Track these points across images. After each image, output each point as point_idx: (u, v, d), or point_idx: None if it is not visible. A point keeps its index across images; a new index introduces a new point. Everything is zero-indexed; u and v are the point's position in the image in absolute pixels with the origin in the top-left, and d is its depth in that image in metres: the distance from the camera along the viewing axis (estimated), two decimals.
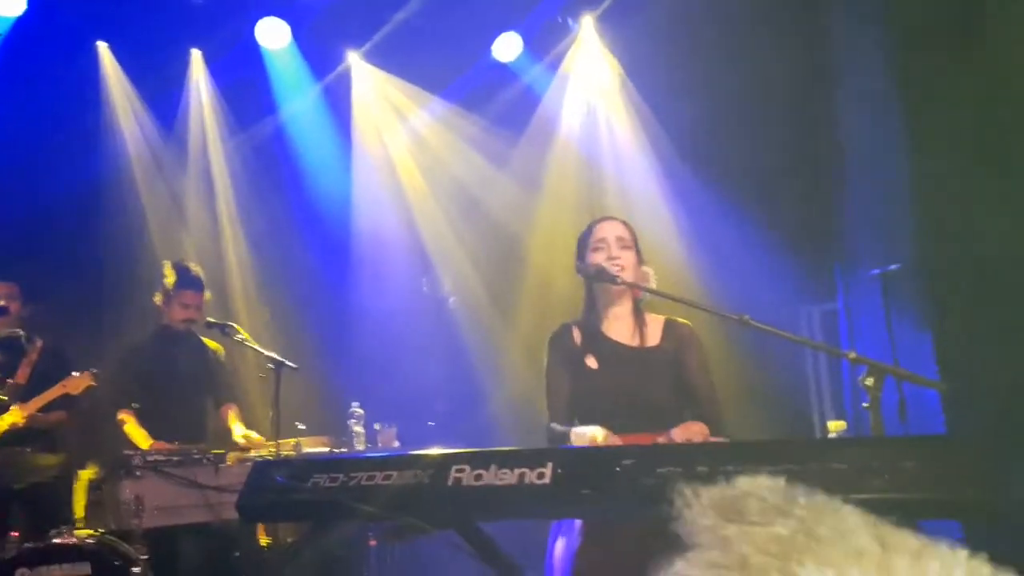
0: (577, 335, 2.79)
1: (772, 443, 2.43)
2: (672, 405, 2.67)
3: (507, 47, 6.44)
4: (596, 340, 2.76)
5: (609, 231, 2.81)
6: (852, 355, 2.45)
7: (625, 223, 2.89)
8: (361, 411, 4.76)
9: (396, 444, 4.84)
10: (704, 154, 5.61)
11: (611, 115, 6.42)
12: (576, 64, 6.53)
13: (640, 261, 2.84)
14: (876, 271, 4.61)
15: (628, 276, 2.72)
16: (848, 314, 5.00)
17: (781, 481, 0.64)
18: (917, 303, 4.33)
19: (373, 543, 4.37)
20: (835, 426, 3.35)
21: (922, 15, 4.25)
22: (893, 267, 4.52)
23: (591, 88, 6.51)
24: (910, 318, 4.32)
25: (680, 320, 2.84)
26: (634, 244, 2.83)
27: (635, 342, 2.75)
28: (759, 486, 0.63)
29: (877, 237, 4.77)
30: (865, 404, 2.38)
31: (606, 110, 6.46)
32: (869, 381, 2.35)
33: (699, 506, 0.62)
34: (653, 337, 2.77)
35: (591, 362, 2.72)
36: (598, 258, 2.75)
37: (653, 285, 2.84)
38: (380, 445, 4.73)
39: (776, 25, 5.20)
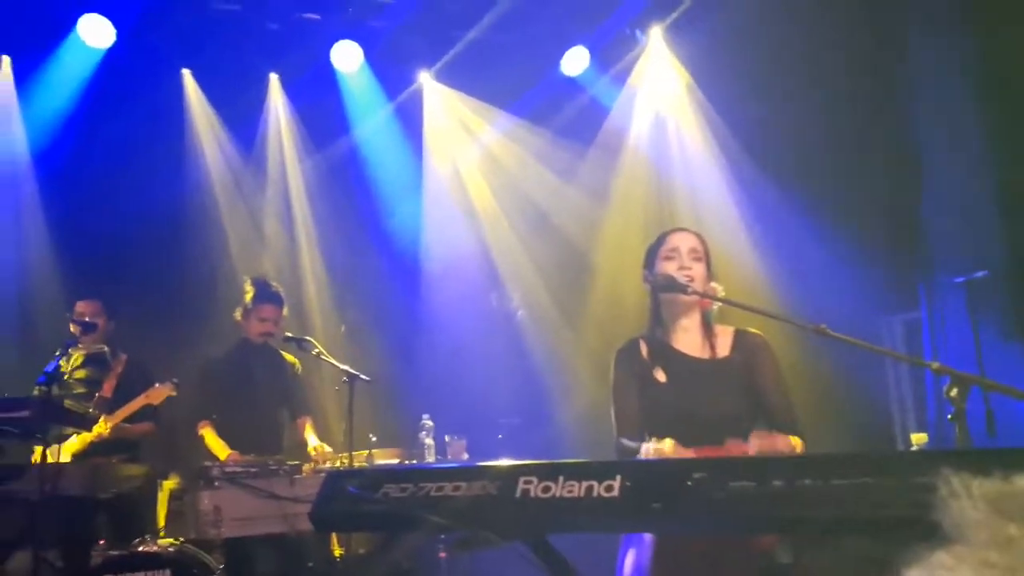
0: (644, 349, 2.74)
1: (850, 455, 2.34)
2: (744, 417, 2.58)
3: (575, 61, 6.46)
4: (664, 353, 2.70)
5: (681, 241, 2.75)
6: (935, 365, 2.34)
7: (698, 235, 2.82)
8: (431, 423, 4.80)
9: (465, 456, 4.86)
10: (778, 163, 5.50)
11: (680, 125, 6.36)
12: (644, 75, 6.51)
13: (710, 276, 2.78)
14: (961, 279, 4.43)
15: (698, 287, 2.67)
16: (931, 323, 4.81)
17: None
18: (1005, 311, 4.14)
19: (443, 555, 4.38)
20: (917, 439, 3.22)
21: (1004, 14, 4.09)
22: (979, 274, 4.34)
23: (660, 99, 6.47)
24: (997, 327, 4.13)
25: (751, 330, 2.76)
26: (706, 257, 2.76)
27: (704, 354, 2.69)
28: None
29: (961, 244, 4.59)
30: (950, 416, 2.28)
31: (675, 120, 6.41)
32: (953, 392, 2.25)
33: (970, 498, 0.56)
34: (723, 348, 2.70)
35: (659, 376, 2.66)
36: (668, 268, 2.70)
37: (718, 295, 2.77)
38: (450, 457, 4.75)
39: (850, 29, 5.08)
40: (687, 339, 2.72)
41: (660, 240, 2.81)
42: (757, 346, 2.70)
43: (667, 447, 2.37)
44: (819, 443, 3.17)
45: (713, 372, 2.65)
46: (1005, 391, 2.85)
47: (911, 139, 4.96)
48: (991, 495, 0.54)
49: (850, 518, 1.77)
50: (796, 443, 2.46)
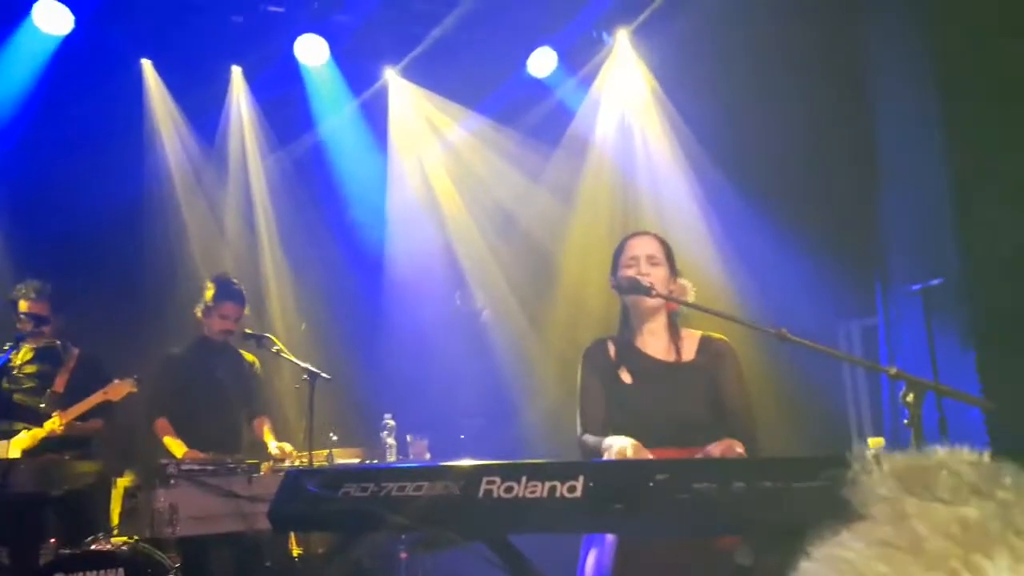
0: (612, 349, 2.78)
1: (811, 459, 2.37)
2: (707, 421, 2.62)
3: (542, 62, 6.47)
4: (630, 355, 2.74)
5: (639, 248, 2.79)
6: (893, 371, 2.38)
7: (657, 237, 2.86)
8: (393, 423, 4.77)
9: (428, 456, 4.84)
10: (740, 167, 5.57)
11: (645, 128, 6.41)
12: (610, 78, 6.54)
13: (674, 275, 2.81)
14: (917, 286, 4.52)
15: (660, 291, 2.70)
16: (888, 329, 4.91)
17: (986, 457, 0.55)
18: (959, 319, 4.23)
19: (404, 556, 4.36)
20: (874, 443, 3.28)
21: (961, 21, 4.19)
22: (935, 282, 4.43)
23: (625, 101, 6.51)
24: (952, 334, 4.23)
25: (716, 336, 2.80)
26: (666, 259, 2.80)
27: (670, 357, 2.72)
28: (958, 459, 0.55)
29: (918, 251, 4.69)
30: (906, 421, 2.32)
31: (640, 123, 6.45)
32: (910, 398, 2.29)
33: (879, 473, 0.54)
34: (688, 352, 2.74)
35: (625, 376, 2.70)
36: (629, 275, 2.73)
37: (690, 299, 2.80)
38: (412, 457, 4.73)
39: (811, 38, 5.16)
40: (653, 342, 2.76)
41: (620, 246, 2.85)
42: (722, 352, 2.74)
43: (628, 448, 2.39)
44: (777, 445, 3.22)
45: (677, 375, 2.68)
46: (959, 397, 2.92)
47: (870, 145, 5.06)
48: (899, 469, 0.54)
49: (809, 521, 1.81)
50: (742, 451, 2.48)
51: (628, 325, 2.80)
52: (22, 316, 4.34)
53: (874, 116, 5.06)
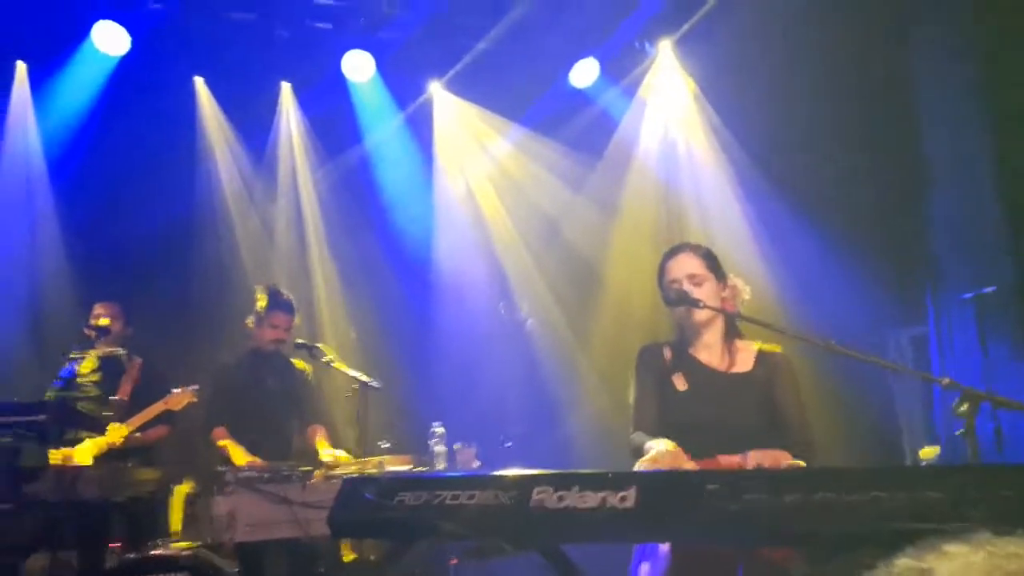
0: (668, 354, 2.79)
1: (864, 471, 2.38)
2: (758, 432, 2.61)
3: (584, 73, 6.51)
4: (686, 362, 2.75)
5: (679, 270, 2.77)
6: (946, 381, 2.38)
7: (696, 252, 2.82)
8: (442, 430, 4.82)
9: (476, 464, 4.89)
10: (787, 176, 5.55)
11: (689, 138, 6.41)
12: (653, 88, 6.56)
13: (723, 282, 2.80)
14: (969, 294, 4.46)
15: (710, 303, 2.70)
16: (939, 338, 4.84)
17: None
18: (1012, 326, 4.17)
19: (454, 562, 4.41)
20: (927, 452, 3.25)
21: (1009, 21, 4.13)
22: (987, 290, 4.37)
23: (669, 111, 6.52)
24: (1006, 342, 4.16)
25: (772, 348, 2.79)
26: (710, 271, 2.78)
27: (724, 367, 2.73)
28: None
29: (970, 259, 4.62)
30: (960, 431, 2.31)
31: (684, 133, 6.46)
32: (964, 408, 2.28)
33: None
34: (744, 364, 2.74)
35: (679, 383, 2.71)
36: (676, 288, 2.74)
37: (746, 296, 2.79)
38: (460, 464, 4.78)
39: (856, 45, 5.13)
40: (708, 351, 2.77)
41: (661, 267, 2.84)
42: (778, 365, 2.75)
43: (666, 451, 2.41)
44: (827, 456, 3.21)
45: (732, 386, 2.69)
46: (1014, 406, 2.89)
47: (919, 151, 5.00)
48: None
49: (863, 532, 1.81)
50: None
51: (682, 335, 2.81)
52: (89, 326, 4.50)
53: (924, 121, 5.01)
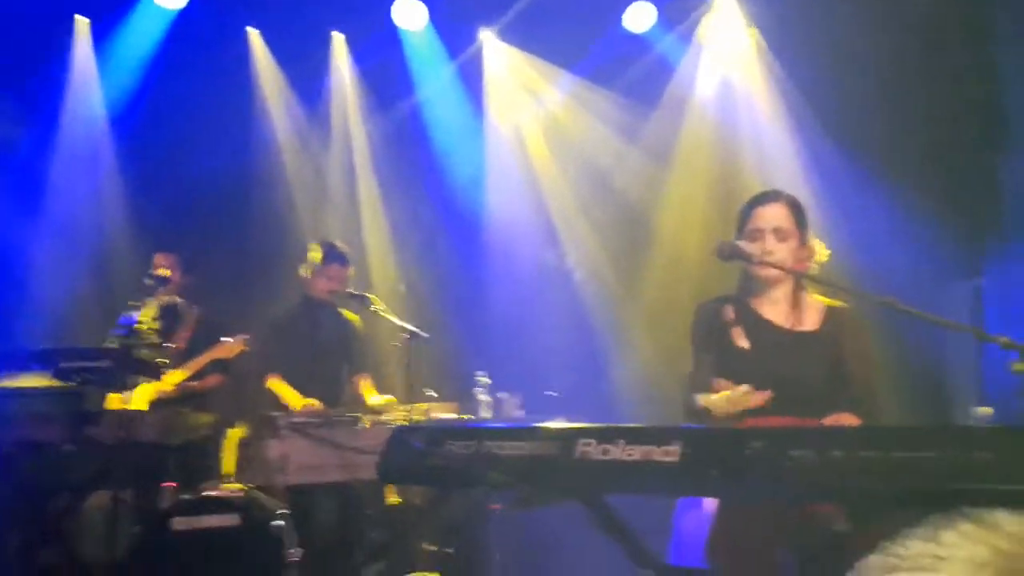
0: (729, 311, 2.68)
1: (912, 429, 2.32)
2: (824, 393, 2.53)
3: (639, 17, 6.33)
4: (749, 319, 2.65)
5: (767, 221, 2.63)
6: (1004, 340, 2.29)
7: (788, 203, 2.68)
8: (487, 380, 4.87)
9: (520, 413, 4.93)
10: (848, 125, 5.34)
11: (749, 86, 6.20)
12: (711, 33, 6.34)
13: (803, 244, 2.66)
14: None
15: (785, 263, 2.59)
16: (998, 292, 4.67)
17: None
18: None
19: (496, 508, 4.48)
20: (982, 412, 3.16)
21: None
22: None
23: (727, 58, 6.30)
24: None
25: (842, 305, 2.69)
26: (797, 226, 2.64)
27: (790, 324, 2.63)
28: None
29: None
30: (1017, 392, 2.24)
31: (743, 81, 6.24)
32: (1019, 367, 2.21)
33: None
34: (811, 322, 2.64)
35: (741, 341, 2.62)
36: (753, 248, 2.60)
37: (820, 258, 2.67)
38: (504, 413, 4.83)
39: None
40: (774, 307, 2.67)
41: (748, 211, 2.70)
42: (847, 322, 2.65)
43: (740, 393, 2.36)
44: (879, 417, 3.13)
45: (798, 344, 2.60)
46: None
47: (989, 100, 4.78)
48: None
49: (910, 491, 1.78)
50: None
51: (748, 287, 2.71)
52: (149, 276, 4.63)
53: (995, 66, 4.77)
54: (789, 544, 2.38)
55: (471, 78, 6.67)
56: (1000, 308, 4.64)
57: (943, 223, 4.81)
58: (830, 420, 2.38)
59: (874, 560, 0.52)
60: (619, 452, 1.98)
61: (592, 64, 6.45)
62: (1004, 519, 0.51)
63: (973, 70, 4.80)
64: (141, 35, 6.00)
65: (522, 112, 6.75)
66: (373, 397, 4.60)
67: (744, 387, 2.37)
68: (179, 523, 3.54)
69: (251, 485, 3.81)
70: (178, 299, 4.89)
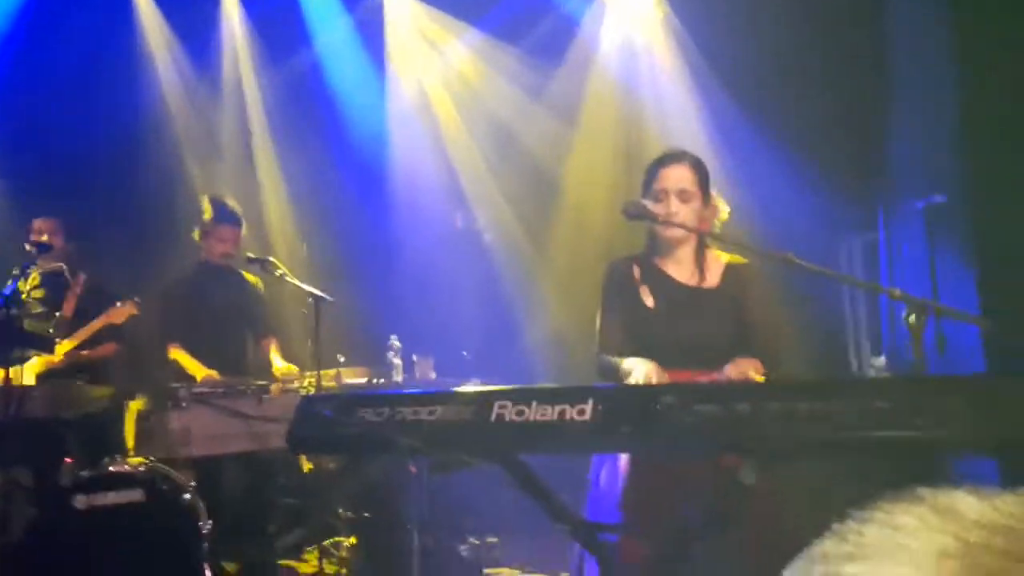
0: (636, 270, 2.73)
1: (813, 382, 2.44)
2: (727, 346, 2.59)
3: None
4: (654, 277, 2.70)
5: (671, 181, 2.65)
6: (896, 292, 2.41)
7: (691, 164, 2.70)
8: (399, 344, 4.83)
9: (433, 375, 4.92)
10: (745, 82, 5.47)
11: (652, 44, 6.25)
12: None
13: (705, 203, 2.70)
14: (921, 203, 4.52)
15: (689, 222, 2.62)
16: (890, 246, 4.91)
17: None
18: (962, 237, 4.25)
19: (413, 470, 4.48)
20: (877, 362, 3.33)
21: None
22: (938, 199, 4.42)
23: (630, 17, 6.34)
24: (954, 251, 4.25)
25: (743, 261, 2.76)
26: (700, 187, 2.68)
27: (694, 281, 2.70)
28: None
29: (922, 168, 4.66)
30: (908, 342, 2.36)
31: (646, 39, 6.29)
32: (912, 319, 2.31)
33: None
34: (713, 278, 2.71)
35: (647, 299, 2.67)
36: (657, 209, 2.63)
37: (723, 217, 2.73)
38: (417, 376, 4.81)
39: None
40: (677, 266, 2.72)
41: (652, 172, 2.72)
42: (747, 277, 2.72)
43: (651, 373, 2.42)
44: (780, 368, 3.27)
45: (701, 300, 2.67)
46: (959, 317, 2.97)
47: (882, 62, 4.97)
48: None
49: (811, 441, 1.87)
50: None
51: (654, 247, 2.75)
52: (29, 242, 4.36)
53: (888, 31, 4.95)
54: (698, 497, 2.46)
55: (371, 32, 6.49)
56: (892, 263, 4.88)
57: (837, 180, 5.00)
58: (732, 366, 2.46)
59: (829, 546, 0.52)
60: (533, 413, 2.02)
61: (496, 19, 6.36)
62: (963, 504, 0.50)
63: (865, 33, 4.97)
64: None
65: (425, 67, 6.62)
66: (277, 362, 4.49)
67: (652, 369, 2.42)
68: (80, 501, 3.39)
69: (154, 459, 3.69)
70: (62, 266, 4.61)
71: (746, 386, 2.28)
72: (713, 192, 2.78)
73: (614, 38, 6.35)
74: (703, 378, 2.47)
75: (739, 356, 2.54)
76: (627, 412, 2.00)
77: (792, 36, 5.09)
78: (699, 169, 2.73)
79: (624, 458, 2.50)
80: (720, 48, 5.62)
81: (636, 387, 2.34)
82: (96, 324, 4.39)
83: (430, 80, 6.63)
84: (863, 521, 0.49)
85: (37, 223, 4.59)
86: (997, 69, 4.01)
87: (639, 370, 2.43)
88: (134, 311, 4.41)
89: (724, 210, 2.78)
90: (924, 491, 0.50)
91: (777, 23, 5.12)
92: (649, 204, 2.67)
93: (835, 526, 0.51)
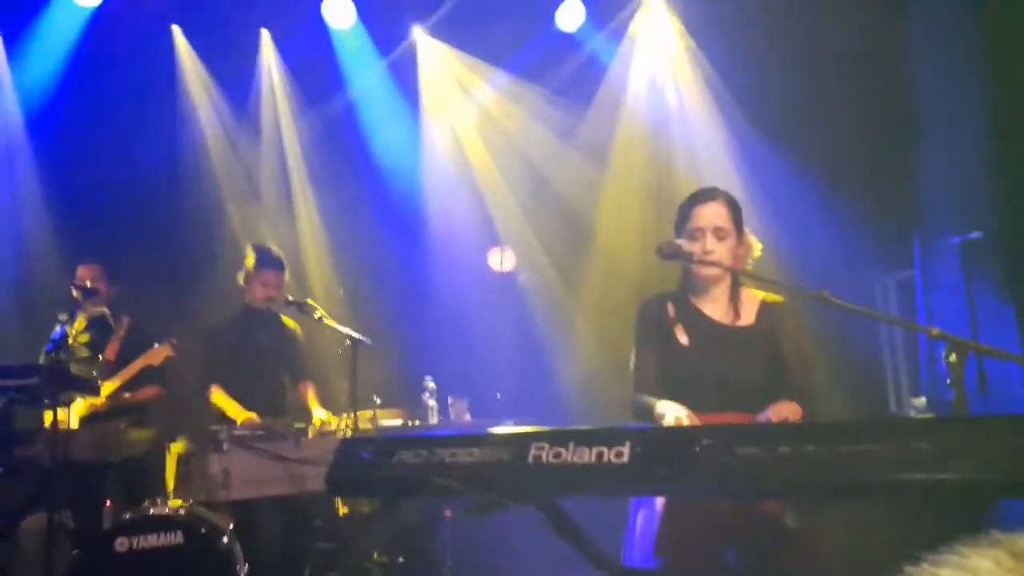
0: (671, 308, 2.73)
1: (852, 423, 2.41)
2: (764, 386, 2.59)
3: (570, 15, 6.37)
4: (689, 315, 2.70)
5: (707, 219, 2.66)
6: (935, 332, 2.38)
7: (726, 201, 2.71)
8: (434, 385, 4.86)
9: (468, 416, 4.94)
10: (776, 121, 5.48)
11: (679, 83, 6.31)
12: (641, 31, 6.42)
13: (740, 238, 2.72)
14: (956, 239, 4.47)
15: (724, 261, 2.64)
16: (926, 284, 4.86)
17: None
18: (999, 273, 4.19)
19: (448, 514, 4.48)
20: (917, 402, 3.28)
21: None
22: (974, 235, 4.38)
23: (658, 56, 6.40)
24: (992, 288, 4.19)
25: (775, 298, 2.75)
26: (734, 224, 2.69)
27: (728, 320, 2.69)
28: None
29: (957, 204, 4.62)
30: (948, 381, 2.33)
31: (673, 78, 6.34)
32: (952, 358, 2.29)
33: None
34: (748, 316, 2.70)
35: (682, 337, 2.66)
36: (693, 248, 2.64)
37: (756, 254, 2.74)
38: (452, 417, 4.83)
39: None
40: (712, 304, 2.72)
41: (687, 211, 2.72)
42: (782, 315, 2.71)
43: (682, 417, 2.41)
44: (817, 405, 3.23)
45: (736, 339, 2.66)
46: (999, 355, 2.93)
47: (911, 97, 4.96)
48: None
49: (854, 484, 1.85)
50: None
51: (689, 285, 2.75)
52: (75, 287, 4.48)
53: (916, 67, 4.95)
54: (737, 541, 2.44)
55: (404, 76, 6.62)
56: (928, 301, 4.82)
57: (871, 218, 4.97)
58: (772, 410, 2.44)
59: None
60: (571, 455, 2.02)
61: (524, 61, 6.46)
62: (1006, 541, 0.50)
63: (892, 69, 4.98)
64: (57, 33, 5.76)
65: (457, 109, 6.73)
66: (316, 410, 4.53)
67: (683, 414, 2.41)
68: (121, 543, 3.44)
69: (193, 502, 3.73)
70: (106, 310, 4.72)
71: (785, 428, 2.26)
72: (746, 229, 2.79)
73: (642, 77, 6.42)
74: (739, 419, 2.45)
75: (776, 397, 2.53)
76: (665, 454, 1.98)
77: (822, 72, 5.11)
78: (733, 206, 2.73)
79: (660, 501, 2.48)
80: (750, 88, 5.65)
81: (674, 429, 2.33)
82: (135, 366, 4.48)
83: (462, 122, 6.73)
84: (938, 564, 0.49)
85: (81, 270, 4.72)
86: None
87: (671, 414, 2.43)
88: (170, 352, 4.50)
89: (757, 247, 2.78)
90: (1000, 535, 0.50)
91: (806, 59, 5.15)
92: (684, 243, 2.67)
93: (908, 569, 0.50)
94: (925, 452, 1.80)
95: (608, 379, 4.76)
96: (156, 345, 4.52)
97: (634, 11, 6.42)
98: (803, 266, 4.71)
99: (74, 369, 4.32)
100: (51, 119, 5.75)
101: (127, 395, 4.54)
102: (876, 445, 1.83)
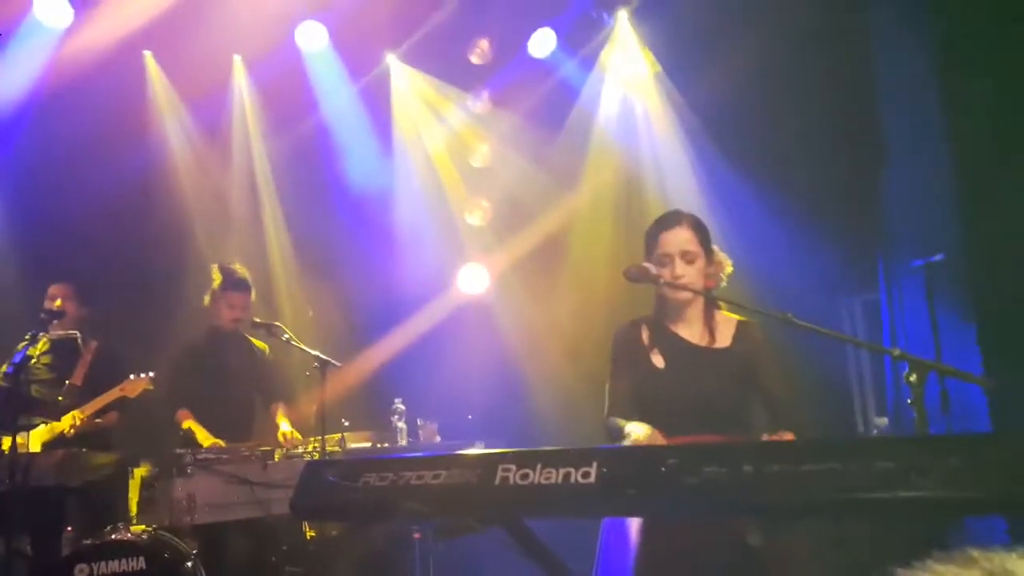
0: (645, 333, 2.73)
1: (818, 442, 2.42)
2: (738, 408, 2.60)
3: (542, 43, 6.45)
4: (664, 339, 2.70)
5: (674, 245, 2.67)
6: (896, 352, 2.42)
7: (691, 224, 2.72)
8: (403, 407, 4.84)
9: (437, 439, 4.91)
10: (742, 145, 5.57)
11: (648, 109, 6.40)
12: (612, 58, 6.52)
13: (710, 261, 2.73)
14: (919, 262, 4.55)
15: (695, 285, 2.65)
16: (890, 305, 4.94)
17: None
18: (961, 295, 4.27)
19: (417, 536, 4.44)
20: (879, 421, 3.33)
21: (964, 6, 4.19)
22: (936, 258, 4.46)
23: (627, 82, 6.49)
24: (954, 310, 4.26)
25: (752, 322, 2.75)
26: (702, 246, 2.70)
27: (704, 342, 2.69)
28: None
29: (921, 228, 4.71)
30: (909, 400, 2.36)
31: (643, 104, 6.44)
32: (913, 378, 2.32)
33: None
34: (724, 338, 2.70)
35: (657, 360, 2.67)
36: (663, 273, 2.65)
37: (728, 271, 2.75)
38: (422, 439, 4.80)
39: (813, 15, 5.14)
40: (689, 327, 2.72)
41: (654, 237, 2.73)
42: (758, 337, 2.71)
43: (644, 435, 2.42)
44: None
45: (712, 361, 2.66)
46: (960, 376, 2.97)
47: (873, 121, 5.06)
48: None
49: (816, 502, 1.86)
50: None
51: (663, 310, 2.75)
52: (44, 310, 4.39)
53: (877, 92, 5.06)
54: (709, 560, 2.44)
55: (377, 101, 6.64)
56: (893, 322, 4.89)
57: (836, 240, 5.05)
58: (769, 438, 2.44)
59: None
60: (538, 476, 2.01)
61: (496, 87, 6.52)
62: (1016, 566, 0.50)
63: (858, 97, 5.09)
64: (24, 55, 5.71)
65: (430, 134, 6.76)
66: (283, 426, 4.48)
67: (643, 434, 2.42)
68: (80, 570, 3.36)
69: (157, 527, 3.66)
70: (75, 332, 4.63)
71: (750, 447, 2.27)
72: (715, 247, 2.81)
73: (612, 102, 6.51)
74: (715, 442, 2.46)
75: (749, 419, 2.54)
76: (632, 474, 1.98)
77: (787, 102, 5.21)
78: (699, 228, 2.75)
79: (635, 524, 2.48)
80: (717, 113, 5.74)
81: (641, 449, 2.33)
82: (110, 395, 4.38)
83: (434, 146, 6.76)
84: None
85: (52, 289, 4.65)
86: (988, 127, 4.09)
87: (636, 432, 2.43)
88: (148, 386, 4.40)
89: (728, 263, 2.80)
90: (975, 552, 0.50)
91: (769, 86, 5.25)
92: (654, 268, 2.69)
93: None
94: (887, 470, 1.83)
95: (581, 401, 4.78)
96: (132, 376, 4.41)
97: (605, 39, 6.51)
98: (770, 288, 4.76)
99: (34, 391, 4.23)
100: (17, 140, 5.68)
101: (98, 420, 4.45)
102: (838, 463, 1.85)
